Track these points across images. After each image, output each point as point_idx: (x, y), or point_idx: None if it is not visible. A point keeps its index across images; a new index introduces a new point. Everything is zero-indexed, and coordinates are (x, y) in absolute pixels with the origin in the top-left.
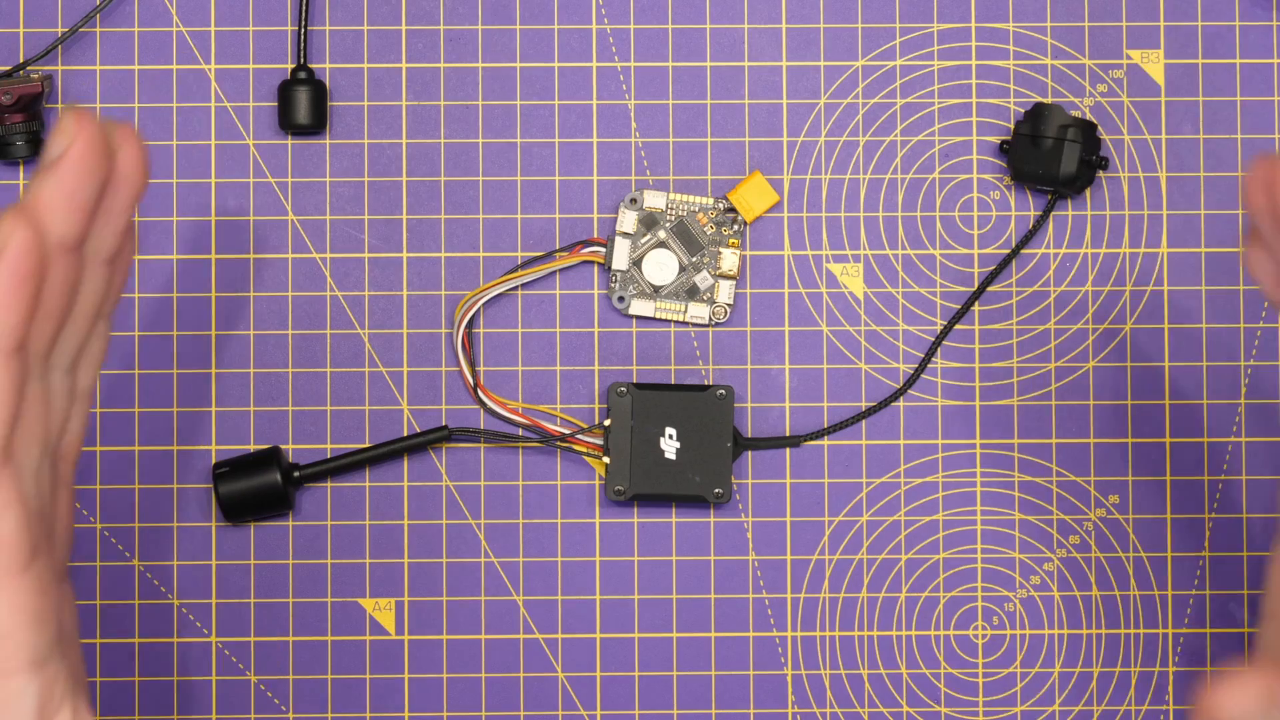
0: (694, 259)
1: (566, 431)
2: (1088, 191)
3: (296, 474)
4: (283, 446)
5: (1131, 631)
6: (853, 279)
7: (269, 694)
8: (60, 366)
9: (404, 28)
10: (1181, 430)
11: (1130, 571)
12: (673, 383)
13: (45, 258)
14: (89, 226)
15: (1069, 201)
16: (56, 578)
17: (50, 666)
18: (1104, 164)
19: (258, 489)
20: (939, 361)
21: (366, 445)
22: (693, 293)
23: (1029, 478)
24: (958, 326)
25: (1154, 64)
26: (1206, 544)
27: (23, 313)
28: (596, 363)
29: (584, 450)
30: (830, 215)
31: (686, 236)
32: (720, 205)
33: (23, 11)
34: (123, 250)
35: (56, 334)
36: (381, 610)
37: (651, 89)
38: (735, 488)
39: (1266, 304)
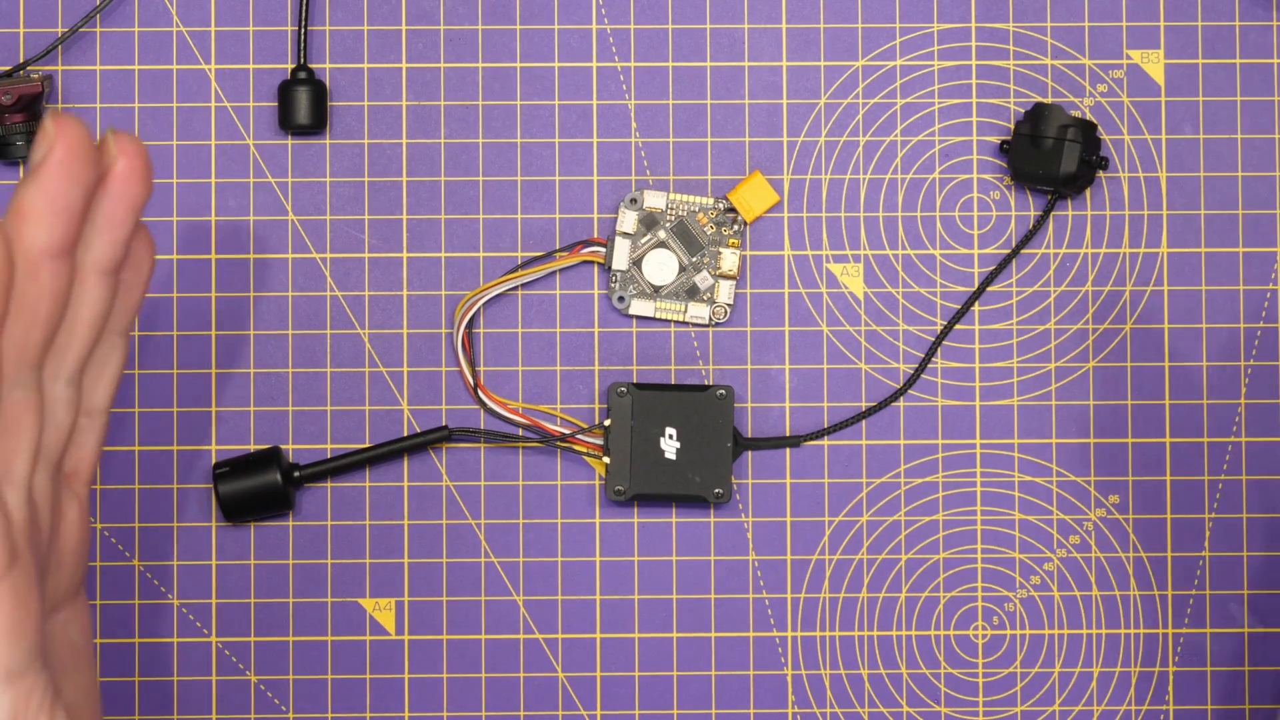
0: (694, 259)
1: (567, 431)
2: (1088, 191)
3: (297, 474)
4: (283, 446)
5: (1131, 631)
6: (853, 279)
7: (269, 694)
8: (61, 377)
9: (404, 28)
10: (1181, 430)
11: (1130, 571)
12: (673, 383)
13: (11, 263)
14: (76, 233)
15: (1069, 201)
16: (66, 594)
17: (26, 680)
18: (1104, 164)
19: (258, 489)
20: (939, 361)
21: (367, 445)
22: (693, 293)
23: (1029, 478)
24: (958, 326)
25: (1154, 64)
26: (1206, 544)
27: None
28: (596, 363)
29: (584, 450)
30: (830, 215)
31: (686, 236)
32: (720, 205)
33: (23, 11)
34: (129, 262)
35: (47, 342)
36: (381, 610)
37: (651, 89)
38: (735, 488)
39: None
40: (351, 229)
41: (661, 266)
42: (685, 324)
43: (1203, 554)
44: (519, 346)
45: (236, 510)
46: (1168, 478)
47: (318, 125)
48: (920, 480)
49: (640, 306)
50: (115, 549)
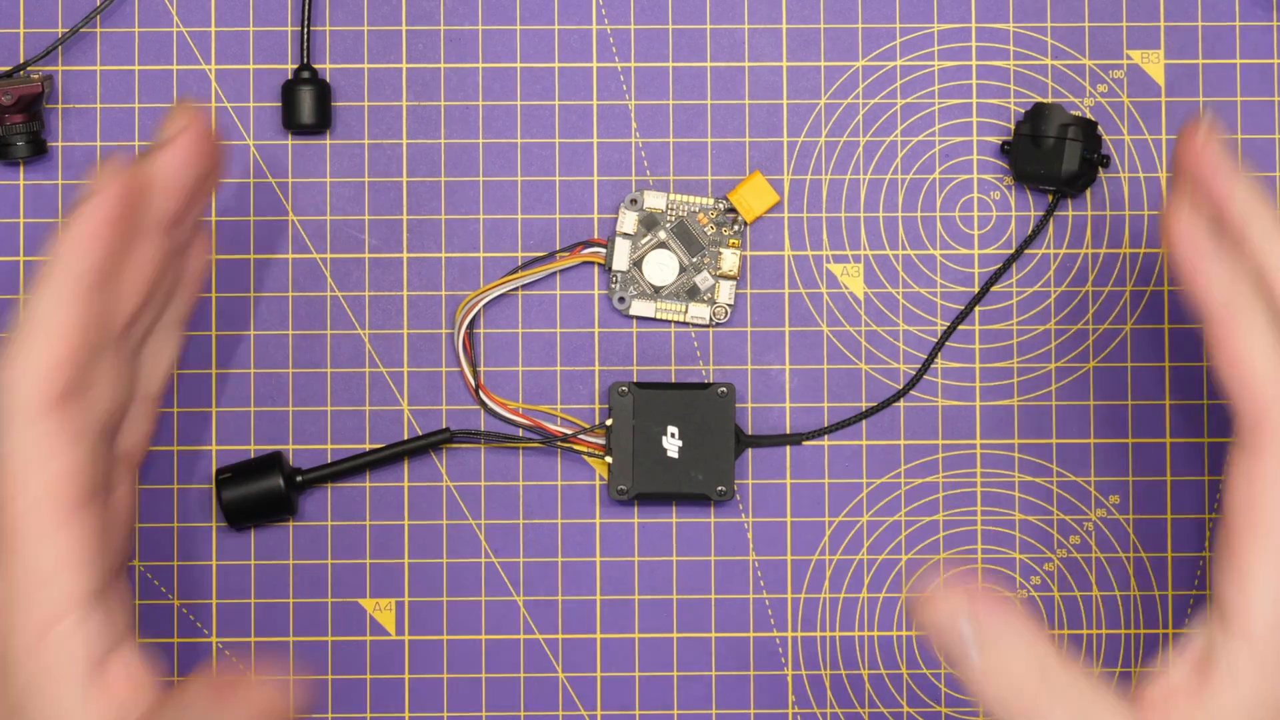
0: (694, 259)
1: (568, 432)
2: (1088, 191)
3: (299, 479)
4: (283, 447)
5: (1131, 631)
6: (853, 279)
7: None
8: (130, 353)
9: (404, 28)
10: (1181, 430)
11: (1130, 571)
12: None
13: (133, 211)
14: (183, 213)
15: (1069, 201)
16: (112, 570)
17: (97, 613)
18: (1105, 162)
19: (261, 495)
20: (939, 362)
21: (368, 449)
22: (693, 293)
23: (1029, 478)
24: (958, 327)
25: (1154, 64)
26: (1206, 544)
27: (102, 253)
28: (597, 363)
29: (585, 450)
30: (830, 215)
31: (687, 237)
32: (720, 205)
33: (23, 11)
34: (194, 247)
35: (136, 314)
36: (382, 610)
37: (651, 89)
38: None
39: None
40: (351, 229)
41: (662, 267)
42: (685, 324)
43: (1203, 554)
44: (519, 347)
45: (239, 516)
46: (1168, 478)
47: (321, 125)
48: (920, 480)
49: (640, 307)
50: None
